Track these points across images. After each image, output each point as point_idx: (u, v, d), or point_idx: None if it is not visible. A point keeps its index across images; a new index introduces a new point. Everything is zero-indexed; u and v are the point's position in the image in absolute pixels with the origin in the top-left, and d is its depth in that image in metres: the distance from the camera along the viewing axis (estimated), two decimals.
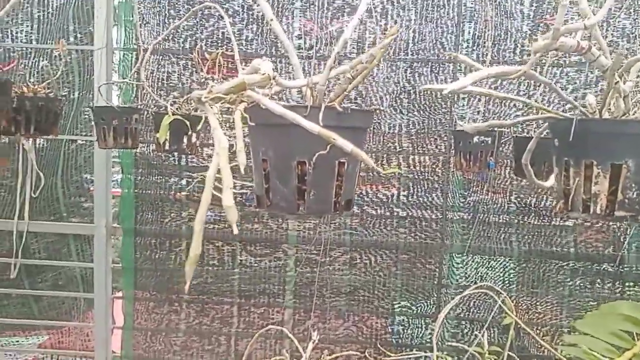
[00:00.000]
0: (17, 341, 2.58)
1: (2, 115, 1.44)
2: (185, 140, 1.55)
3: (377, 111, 1.95)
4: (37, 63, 2.14)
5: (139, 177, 2.24)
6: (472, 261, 2.16)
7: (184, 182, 2.25)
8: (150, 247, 2.28)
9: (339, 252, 2.18)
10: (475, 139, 1.48)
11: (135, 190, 2.25)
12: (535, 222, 2.10)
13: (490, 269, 2.16)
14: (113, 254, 2.35)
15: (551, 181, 1.00)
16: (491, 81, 2.04)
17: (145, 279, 2.30)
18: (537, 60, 0.67)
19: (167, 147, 1.54)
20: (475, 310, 2.16)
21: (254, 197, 0.81)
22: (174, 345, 2.32)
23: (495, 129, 1.44)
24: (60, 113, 1.60)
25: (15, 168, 2.22)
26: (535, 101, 0.83)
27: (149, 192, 2.24)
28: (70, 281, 2.56)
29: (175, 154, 2.17)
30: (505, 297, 1.48)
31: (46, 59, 2.08)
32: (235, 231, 0.56)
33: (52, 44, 2.06)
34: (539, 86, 1.86)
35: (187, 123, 1.48)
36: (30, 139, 2.14)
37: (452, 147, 1.75)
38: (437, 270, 2.14)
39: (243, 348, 2.26)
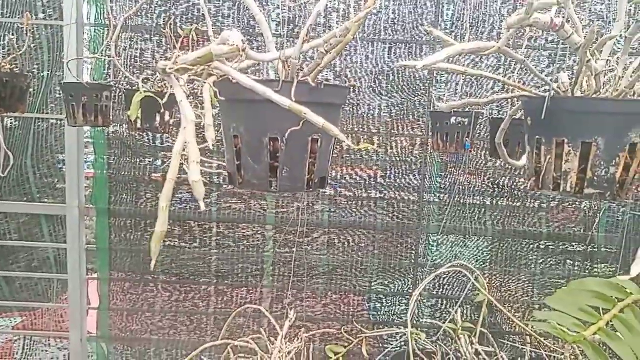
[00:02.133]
0: None
1: None
2: (158, 118, 1.51)
3: (354, 88, 1.93)
4: (2, 38, 2.06)
5: (113, 158, 2.19)
6: (448, 241, 2.19)
7: (159, 162, 2.21)
8: (125, 228, 2.25)
9: (318, 232, 2.18)
10: (453, 120, 1.48)
11: (109, 171, 2.20)
12: (509, 203, 2.13)
13: (465, 248, 2.19)
14: (88, 234, 2.31)
15: (524, 161, 1.01)
16: (468, 62, 2.05)
17: (120, 259, 2.27)
18: (511, 38, 0.66)
19: (139, 126, 1.49)
20: (450, 288, 2.20)
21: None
22: (150, 325, 2.31)
23: (472, 109, 1.44)
24: (27, 89, 1.54)
25: None
26: (512, 81, 0.83)
27: (123, 172, 2.19)
28: (43, 263, 2.51)
29: (150, 133, 2.13)
30: (478, 275, 1.50)
31: (12, 34, 1.99)
32: (203, 207, 0.55)
33: (19, 18, 1.97)
34: (515, 68, 1.86)
35: (160, 101, 1.44)
36: None
37: (430, 129, 1.75)
38: (414, 249, 2.16)
39: (220, 327, 2.26)
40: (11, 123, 2.24)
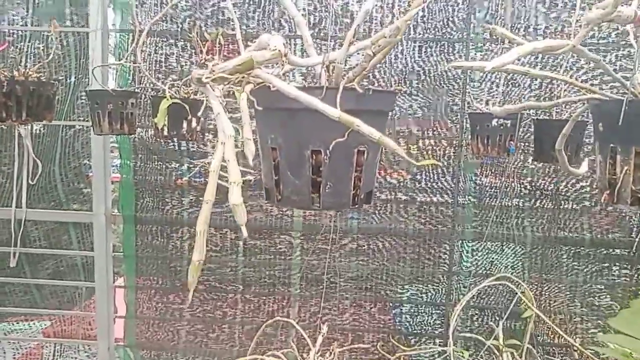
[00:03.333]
0: (21, 329, 2.53)
1: None
2: (185, 125, 1.46)
3: (400, 92, 1.84)
4: (32, 47, 2.04)
5: (139, 163, 2.15)
6: (484, 247, 2.08)
7: (184, 167, 2.17)
8: (151, 235, 2.21)
9: (346, 239, 2.10)
10: (494, 122, 1.38)
11: (135, 177, 2.16)
12: (549, 207, 2.02)
13: (502, 255, 2.08)
14: (114, 240, 2.28)
15: (584, 168, 0.92)
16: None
17: (146, 266, 2.24)
18: (586, 35, 0.57)
19: (165, 133, 1.44)
20: (486, 298, 2.09)
21: (264, 189, 0.73)
22: (177, 333, 2.26)
23: (520, 112, 1.34)
24: (54, 97, 1.51)
25: (12, 155, 2.14)
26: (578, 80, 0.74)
27: (149, 178, 2.15)
28: (72, 269, 2.49)
29: (175, 139, 2.08)
30: (525, 288, 1.40)
31: (41, 42, 1.97)
32: (245, 234, 0.48)
33: (47, 26, 1.95)
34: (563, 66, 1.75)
35: (187, 107, 1.38)
36: (27, 126, 2.05)
37: (467, 130, 1.65)
38: (448, 257, 2.06)
39: (247, 336, 2.20)
40: (39, 130, 2.22)
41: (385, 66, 2.07)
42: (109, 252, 2.20)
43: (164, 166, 2.15)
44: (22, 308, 2.35)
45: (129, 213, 2.18)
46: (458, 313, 1.36)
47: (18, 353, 2.46)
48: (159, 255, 2.21)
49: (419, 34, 2.05)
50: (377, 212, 2.09)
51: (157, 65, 1.84)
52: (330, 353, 1.57)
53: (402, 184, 2.08)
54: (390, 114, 0.73)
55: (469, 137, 1.57)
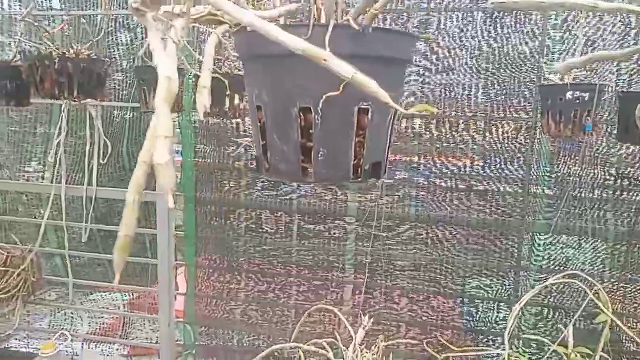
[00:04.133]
0: (101, 299, 2.65)
1: (45, 78, 1.37)
2: (227, 102, 1.38)
3: (427, 41, 1.62)
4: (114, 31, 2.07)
5: (199, 146, 2.14)
6: (558, 242, 1.82)
7: (242, 150, 2.12)
8: (210, 215, 2.20)
9: (404, 227, 1.94)
10: (569, 95, 1.16)
11: (195, 159, 2.16)
12: (637, 199, 1.71)
13: (579, 250, 1.81)
14: (178, 221, 2.30)
15: None
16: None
17: (205, 246, 2.23)
18: None
19: (208, 110, 1.38)
20: (559, 297, 1.84)
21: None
22: (232, 313, 2.24)
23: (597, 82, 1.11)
24: (106, 76, 1.50)
25: (85, 135, 2.22)
26: None
27: (208, 160, 2.14)
28: (142, 246, 2.57)
29: (234, 121, 2.04)
30: (599, 289, 1.17)
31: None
32: (171, 204, 0.37)
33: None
34: None
35: (227, 83, 1.30)
36: (97, 107, 2.11)
37: (539, 108, 1.42)
38: (516, 250, 1.83)
39: (299, 319, 2.13)
40: (109, 113, 2.29)
41: (450, 40, 1.86)
42: (171, 231, 2.22)
43: (222, 148, 2.12)
44: (95, 281, 2.46)
45: (189, 194, 2.19)
46: (517, 313, 1.17)
47: (94, 322, 2.60)
48: (217, 235, 2.20)
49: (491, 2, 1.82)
50: (436, 199, 1.90)
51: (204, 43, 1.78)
52: (376, 346, 1.44)
53: (464, 170, 1.87)
54: (408, 64, 0.58)
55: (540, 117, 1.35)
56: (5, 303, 2.28)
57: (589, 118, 1.14)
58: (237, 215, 2.17)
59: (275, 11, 0.50)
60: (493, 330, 1.90)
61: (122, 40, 2.24)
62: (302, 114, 0.51)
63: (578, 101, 1.16)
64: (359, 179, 0.54)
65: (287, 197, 2.07)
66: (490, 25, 1.85)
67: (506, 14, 1.82)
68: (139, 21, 2.14)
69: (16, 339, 2.54)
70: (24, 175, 2.42)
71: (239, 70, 1.39)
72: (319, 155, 0.52)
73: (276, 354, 2.05)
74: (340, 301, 2.06)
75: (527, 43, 1.82)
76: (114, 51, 2.21)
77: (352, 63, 0.46)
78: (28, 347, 2.51)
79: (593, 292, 1.14)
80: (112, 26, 2.13)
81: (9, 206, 2.48)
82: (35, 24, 1.44)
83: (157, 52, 0.42)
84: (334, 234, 2.04)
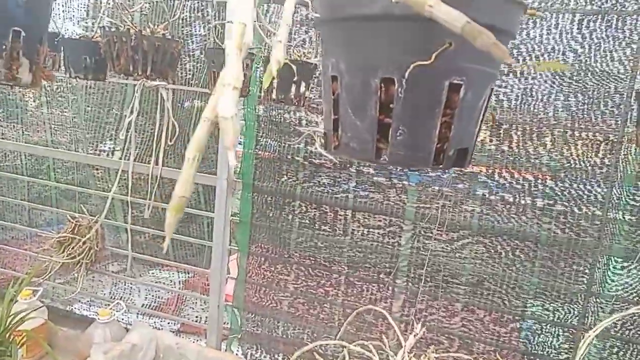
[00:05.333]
0: (164, 277, 2.71)
1: (121, 54, 1.38)
2: (293, 89, 1.33)
3: (533, 17, 1.48)
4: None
5: (260, 133, 2.12)
6: (636, 269, 1.63)
7: (302, 143, 2.08)
8: (266, 204, 2.17)
9: (464, 236, 1.81)
10: None
11: (256, 147, 2.14)
12: None
13: None
14: (234, 208, 2.30)
15: None
16: None
17: (259, 234, 2.21)
18: None
19: (274, 96, 1.33)
20: (632, 329, 1.64)
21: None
22: (280, 303, 2.21)
23: None
24: (178, 56, 1.50)
25: (155, 116, 2.26)
26: None
27: (268, 149, 2.11)
28: (199, 228, 2.60)
29: (296, 112, 1.99)
30: None
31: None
32: (232, 161, 0.31)
33: None
34: None
35: (294, 69, 1.25)
36: (168, 89, 2.14)
37: (635, 118, 1.26)
38: (588, 273, 1.65)
39: (346, 319, 2.05)
40: (178, 96, 2.32)
41: (534, 43, 1.71)
42: (228, 215, 2.21)
43: (282, 139, 2.09)
44: (155, 258, 2.51)
45: (247, 181, 2.17)
46: (590, 341, 1.03)
47: (150, 296, 2.65)
48: (271, 225, 2.17)
49: (580, 4, 1.65)
50: (504, 210, 1.76)
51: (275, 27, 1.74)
52: (426, 356, 1.33)
53: (539, 183, 1.71)
54: (512, 38, 0.48)
55: (635, 127, 1.19)
56: (70, 268, 2.38)
57: None
58: (292, 207, 2.13)
59: None
60: (553, 356, 1.73)
61: (196, 30, 2.26)
62: (382, 85, 0.43)
63: None
64: (440, 165, 0.45)
65: (344, 195, 2.00)
66: (577, 29, 1.68)
67: (597, 16, 1.65)
68: (213, 13, 2.15)
69: (80, 302, 2.65)
70: (97, 152, 2.51)
71: (307, 58, 1.33)
72: (397, 134, 0.44)
73: (320, 349, 1.99)
74: (390, 305, 1.97)
75: (617, 50, 1.64)
76: (187, 39, 2.23)
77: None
78: (89, 311, 2.61)
79: None
80: (187, 14, 2.15)
81: (82, 178, 2.59)
82: (118, 1, 1.46)
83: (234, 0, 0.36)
84: (389, 235, 1.94)
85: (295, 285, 2.16)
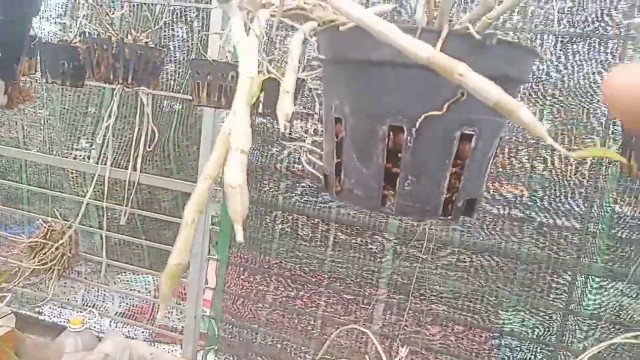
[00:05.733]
0: (135, 280, 2.62)
1: (101, 61, 1.32)
2: None
3: (542, 61, 1.49)
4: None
5: None
6: (613, 288, 1.65)
7: (285, 152, 2.04)
8: (247, 214, 2.12)
9: (445, 251, 1.81)
10: None
11: None
12: None
13: (636, 300, 1.64)
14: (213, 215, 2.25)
15: None
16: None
17: (239, 244, 2.17)
18: None
19: (260, 110, 1.30)
20: (614, 353, 1.66)
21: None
22: (259, 315, 2.17)
23: None
24: (161, 64, 1.45)
25: (134, 121, 2.19)
26: None
27: (250, 158, 2.07)
28: (176, 235, 2.53)
29: (270, 118, 1.96)
30: None
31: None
32: (240, 238, 0.28)
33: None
34: None
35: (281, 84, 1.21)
36: (148, 95, 2.08)
37: (613, 144, 1.27)
38: (566, 291, 1.67)
39: (327, 333, 2.03)
40: (159, 102, 2.26)
41: None
42: (207, 223, 2.16)
43: (265, 148, 2.05)
44: (128, 263, 2.43)
45: None
46: None
47: (124, 303, 2.57)
48: (251, 235, 2.13)
49: (563, 26, 1.67)
50: (485, 226, 1.76)
51: (267, 40, 1.71)
52: None
53: (518, 200, 1.72)
54: (521, 87, 0.47)
55: (620, 150, 1.20)
56: (41, 274, 2.28)
57: None
58: (273, 217, 2.09)
59: (369, 10, 0.40)
60: None
61: (177, 33, 2.20)
62: (391, 133, 0.40)
63: None
64: (449, 217, 0.43)
65: (326, 205, 1.97)
66: (560, 50, 1.70)
67: (579, 39, 1.67)
68: (195, 15, 2.10)
69: (50, 308, 2.55)
70: (72, 154, 2.42)
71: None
72: (405, 184, 0.41)
73: None
74: (369, 319, 1.95)
75: (600, 72, 1.67)
76: (169, 42, 2.17)
77: None
78: (60, 317, 2.51)
79: None
80: (169, 17, 2.09)
81: (55, 181, 2.49)
82: (97, 6, 1.40)
83: (241, 46, 0.33)
84: (371, 248, 1.93)
85: (275, 296, 2.12)
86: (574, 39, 1.67)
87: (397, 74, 0.38)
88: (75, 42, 1.38)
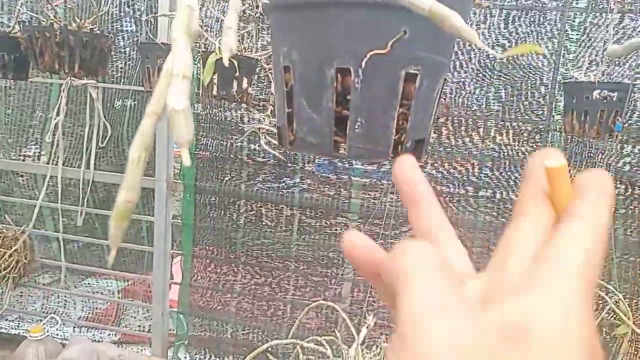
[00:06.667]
0: (96, 284, 2.54)
1: (45, 50, 1.26)
2: (235, 85, 1.28)
3: (480, 7, 1.52)
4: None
5: (201, 132, 2.04)
6: None
7: (245, 140, 2.02)
8: (210, 205, 2.10)
9: (406, 226, 1.85)
10: (596, 94, 1.07)
11: (197, 148, 2.06)
12: None
13: None
14: (176, 210, 2.20)
15: None
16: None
17: (203, 236, 2.14)
18: None
19: (214, 92, 1.28)
20: None
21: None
22: (229, 305, 2.15)
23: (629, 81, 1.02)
24: (109, 52, 1.40)
25: (84, 117, 2.11)
26: None
27: (210, 148, 2.04)
28: (138, 233, 2.47)
29: (237, 111, 1.94)
30: (620, 299, 1.09)
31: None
32: (186, 161, 0.28)
33: None
34: None
35: (236, 65, 1.21)
36: (97, 88, 2.01)
37: (557, 113, 1.34)
38: None
39: (297, 316, 2.04)
40: (108, 94, 2.18)
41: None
42: (169, 218, 2.12)
43: (224, 138, 2.03)
44: (89, 266, 2.35)
45: (189, 182, 2.09)
46: None
47: (87, 307, 2.49)
48: (215, 226, 2.10)
49: (508, 1, 1.74)
50: (441, 201, 1.82)
51: (213, 22, 1.68)
52: (377, 346, 1.35)
53: (468, 177, 1.78)
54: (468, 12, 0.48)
55: (563, 114, 1.26)
56: None
57: (618, 118, 1.05)
58: (236, 207, 2.07)
59: None
60: None
61: (126, 27, 2.14)
62: (339, 76, 0.41)
63: (606, 101, 1.08)
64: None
65: (289, 190, 1.97)
66: (505, 25, 1.77)
67: (523, 12, 1.74)
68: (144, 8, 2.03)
69: (7, 320, 2.43)
70: (20, 157, 2.31)
71: (249, 52, 1.29)
72: (356, 127, 0.42)
73: (270, 349, 1.95)
74: (338, 298, 1.97)
75: (540, 44, 1.74)
76: (118, 36, 2.11)
77: (406, 19, 0.37)
78: (19, 328, 2.40)
79: (613, 301, 1.05)
80: (115, 9, 2.02)
81: (4, 186, 2.37)
82: None
83: None
84: (335, 230, 1.95)
85: (243, 285, 2.11)
86: (517, 12, 1.74)
87: (341, 15, 0.39)
88: (15, 33, 1.32)
